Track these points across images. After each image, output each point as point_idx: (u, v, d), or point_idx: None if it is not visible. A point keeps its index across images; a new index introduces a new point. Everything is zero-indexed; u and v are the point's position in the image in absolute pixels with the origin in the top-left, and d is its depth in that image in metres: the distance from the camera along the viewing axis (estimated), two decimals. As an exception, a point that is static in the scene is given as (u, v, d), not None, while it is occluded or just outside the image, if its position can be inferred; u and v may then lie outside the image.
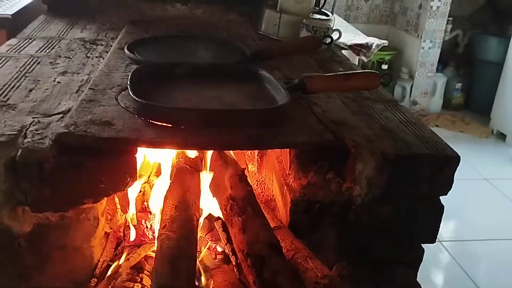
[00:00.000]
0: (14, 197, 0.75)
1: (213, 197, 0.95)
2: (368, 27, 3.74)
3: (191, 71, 1.01)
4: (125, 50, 1.14)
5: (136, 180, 0.78)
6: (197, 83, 0.98)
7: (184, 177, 0.90)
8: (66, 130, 0.74)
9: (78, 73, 1.05)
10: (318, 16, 1.47)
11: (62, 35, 1.34)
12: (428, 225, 0.87)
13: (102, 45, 1.27)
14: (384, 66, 3.73)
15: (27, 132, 0.77)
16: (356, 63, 2.93)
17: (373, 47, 2.76)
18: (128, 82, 0.88)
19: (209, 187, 0.95)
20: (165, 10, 1.60)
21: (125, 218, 0.97)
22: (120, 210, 0.97)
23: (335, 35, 1.36)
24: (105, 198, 0.79)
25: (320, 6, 1.53)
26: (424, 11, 3.58)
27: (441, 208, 0.86)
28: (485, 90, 3.72)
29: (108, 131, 0.75)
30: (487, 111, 3.60)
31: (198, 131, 0.77)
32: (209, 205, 0.96)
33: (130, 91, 0.83)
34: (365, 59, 2.84)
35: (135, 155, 0.77)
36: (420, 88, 3.72)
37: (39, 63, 1.10)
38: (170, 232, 0.74)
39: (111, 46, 1.25)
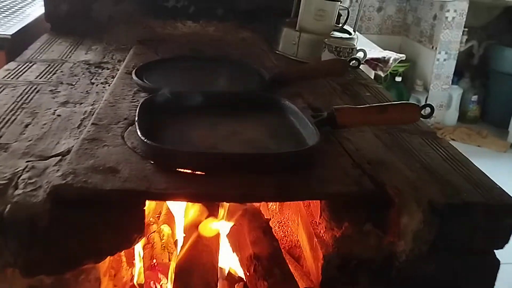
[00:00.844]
0: (2, 257, 0.64)
1: (233, 252, 0.84)
2: (380, 38, 3.64)
3: (205, 101, 0.90)
4: (133, 75, 1.03)
5: (144, 236, 0.68)
6: (213, 115, 0.88)
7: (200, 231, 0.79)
8: (63, 181, 0.63)
9: (81, 103, 0.95)
10: (339, 35, 1.37)
11: (65, 57, 1.24)
12: (481, 283, 0.75)
13: (108, 69, 1.17)
14: (398, 78, 3.63)
15: (19, 181, 0.67)
16: (372, 77, 2.84)
17: (390, 61, 2.65)
18: (136, 119, 0.77)
19: (229, 241, 0.84)
20: (175, 28, 1.50)
21: (131, 273, 0.86)
22: (125, 263, 0.86)
23: (359, 56, 1.25)
24: (109, 257, 0.68)
25: (342, 24, 1.42)
26: (439, 22, 3.48)
27: (496, 264, 0.74)
28: (502, 103, 3.62)
29: (112, 180, 0.64)
30: (504, 124, 3.50)
31: (215, 179, 0.66)
32: (229, 260, 0.85)
33: (137, 131, 0.73)
34: (382, 74, 2.74)
35: (144, 208, 0.66)
36: (435, 100, 3.61)
37: (38, 91, 1.00)
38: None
39: (118, 70, 1.15)
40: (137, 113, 0.79)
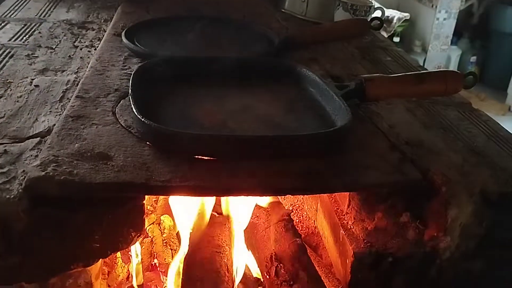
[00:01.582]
0: (-27, 263, 0.53)
1: (248, 250, 0.73)
2: (377, -4, 3.48)
3: (209, 68, 0.78)
4: (123, 37, 0.89)
5: (143, 234, 0.56)
6: (219, 85, 0.75)
7: (211, 228, 0.68)
8: (42, 173, 0.51)
9: (63, 71, 0.81)
10: (352, -9, 1.23)
11: (44, 16, 1.09)
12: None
13: (93, 29, 1.03)
14: (396, 39, 3.48)
15: (-12, 170, 0.54)
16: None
17: (394, 20, 2.52)
18: (129, 91, 0.64)
19: (244, 238, 0.72)
20: (168, -18, 1.34)
21: (128, 271, 0.75)
22: (120, 260, 0.75)
23: (377, 15, 1.12)
24: (101, 259, 0.57)
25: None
26: (440, -22, 3.31)
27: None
28: (502, 64, 3.51)
29: (103, 170, 0.52)
30: (503, 86, 3.41)
31: (228, 167, 0.54)
32: (244, 260, 0.74)
33: (132, 106, 0.60)
34: (385, 35, 2.60)
35: (143, 203, 0.55)
36: (433, 62, 3.48)
37: (12, 56, 0.86)
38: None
39: (105, 31, 1.01)
40: (130, 84, 0.66)
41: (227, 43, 0.97)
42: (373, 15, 1.11)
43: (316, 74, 0.76)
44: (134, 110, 0.59)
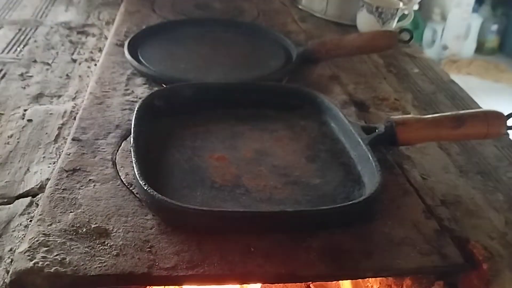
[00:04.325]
0: None
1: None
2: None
3: (221, 96, 0.70)
4: (126, 51, 0.81)
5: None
6: (232, 118, 0.68)
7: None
8: (31, 263, 0.44)
9: (59, 96, 0.74)
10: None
11: (41, 16, 1.00)
12: None
13: (93, 35, 0.94)
14: (415, 6, 3.32)
15: (-29, 249, 0.48)
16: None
17: (415, -3, 2.37)
18: (131, 144, 0.57)
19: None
20: (175, -28, 1.23)
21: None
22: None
23: (406, 20, 1.03)
24: None
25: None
26: None
27: None
28: (523, 33, 3.36)
29: (100, 256, 0.46)
30: (524, 57, 3.26)
31: (241, 246, 0.48)
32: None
33: (135, 171, 0.53)
34: (405, 12, 2.46)
35: None
36: (452, 31, 3.33)
37: (4, 75, 0.78)
38: None
39: (106, 38, 0.92)
40: (132, 135, 0.59)
41: (240, 57, 0.88)
42: (400, 22, 1.01)
43: (338, 107, 0.68)
44: (137, 175, 0.52)
